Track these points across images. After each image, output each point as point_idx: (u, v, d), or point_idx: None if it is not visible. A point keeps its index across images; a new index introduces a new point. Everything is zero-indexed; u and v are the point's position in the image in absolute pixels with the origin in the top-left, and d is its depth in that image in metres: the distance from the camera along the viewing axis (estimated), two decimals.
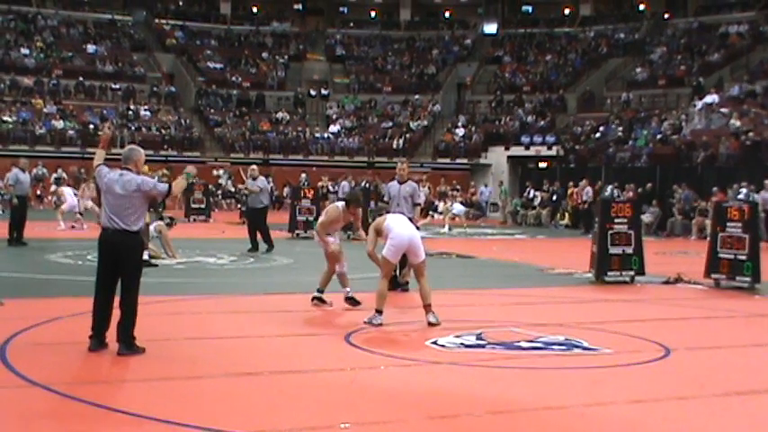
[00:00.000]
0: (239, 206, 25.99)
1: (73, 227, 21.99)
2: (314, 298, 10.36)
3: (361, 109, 46.45)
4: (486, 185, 35.22)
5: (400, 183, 12.24)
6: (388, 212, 10.69)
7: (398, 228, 9.37)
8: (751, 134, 28.05)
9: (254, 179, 18.00)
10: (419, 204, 12.34)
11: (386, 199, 12.66)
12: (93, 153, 8.16)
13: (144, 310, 9.73)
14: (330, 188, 32.39)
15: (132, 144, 8.71)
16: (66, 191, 23.24)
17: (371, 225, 9.88)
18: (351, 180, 31.14)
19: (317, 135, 43.71)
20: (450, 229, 25.99)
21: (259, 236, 17.42)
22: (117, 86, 43.46)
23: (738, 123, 28.89)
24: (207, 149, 41.61)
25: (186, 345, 8.06)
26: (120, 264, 7.39)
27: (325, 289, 10.38)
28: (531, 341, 8.28)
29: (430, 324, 8.98)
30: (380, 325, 8.98)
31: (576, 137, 38.08)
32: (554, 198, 30.01)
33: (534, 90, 44.80)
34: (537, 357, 7.69)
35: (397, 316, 9.72)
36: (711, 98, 32.83)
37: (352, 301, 10.20)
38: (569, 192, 29.10)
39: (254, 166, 18.86)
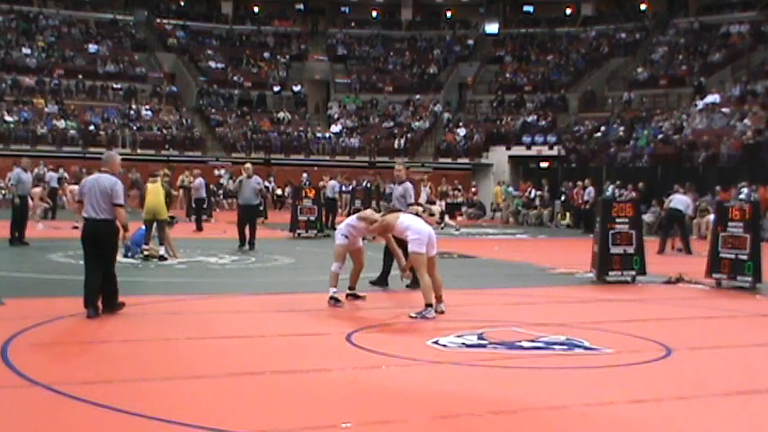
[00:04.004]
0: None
1: (75, 227, 21.92)
2: (347, 295, 10.63)
3: (362, 109, 46.47)
4: (505, 184, 35.10)
5: (397, 184, 12.56)
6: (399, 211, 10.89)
7: (417, 224, 9.95)
8: (749, 134, 28.06)
9: (249, 177, 17.96)
10: (412, 204, 12.49)
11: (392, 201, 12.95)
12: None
13: (145, 310, 9.80)
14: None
15: (111, 150, 10.65)
16: (76, 188, 23.37)
17: (381, 219, 10.25)
18: (339, 179, 31.02)
19: (319, 135, 43.71)
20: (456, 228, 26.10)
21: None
22: (118, 86, 43.50)
23: (749, 123, 28.85)
24: (208, 149, 41.65)
25: (187, 344, 8.06)
26: (101, 244, 9.21)
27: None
28: (533, 341, 8.27)
29: (441, 312, 9.69)
30: (434, 318, 9.44)
31: (577, 137, 38.09)
32: (563, 198, 29.97)
33: (535, 90, 44.81)
34: (538, 357, 7.68)
35: (399, 315, 9.73)
36: (713, 98, 32.86)
37: (334, 301, 10.32)
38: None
39: (249, 165, 18.77)
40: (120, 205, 9.26)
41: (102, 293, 9.18)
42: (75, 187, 23.45)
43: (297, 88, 47.04)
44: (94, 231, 9.21)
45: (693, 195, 20.65)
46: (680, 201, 19.08)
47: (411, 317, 9.51)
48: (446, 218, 26.89)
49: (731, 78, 36.33)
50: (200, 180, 23.63)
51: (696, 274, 13.36)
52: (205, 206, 25.34)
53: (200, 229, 22.66)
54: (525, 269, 15.58)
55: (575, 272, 14.56)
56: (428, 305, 9.53)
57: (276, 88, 46.64)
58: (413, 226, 9.84)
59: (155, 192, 15.47)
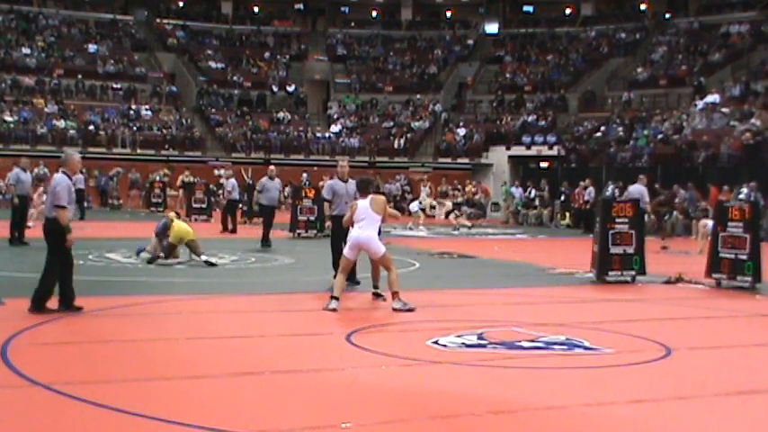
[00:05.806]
0: (241, 206, 26.05)
1: None
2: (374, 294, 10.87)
3: (362, 109, 46.46)
4: (516, 186, 35.09)
5: (344, 181, 12.26)
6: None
7: (354, 228, 10.14)
8: (748, 134, 28.06)
9: (272, 179, 19.57)
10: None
11: (327, 197, 12.44)
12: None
13: (145, 310, 9.80)
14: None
15: (71, 149, 10.83)
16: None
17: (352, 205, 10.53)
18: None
19: (319, 135, 43.71)
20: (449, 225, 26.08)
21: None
22: (118, 86, 43.48)
23: (757, 122, 28.83)
24: (208, 149, 41.62)
25: (187, 344, 8.06)
26: (48, 243, 9.31)
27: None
28: (533, 341, 8.27)
29: (394, 309, 9.82)
30: (334, 310, 9.72)
31: (577, 137, 38.08)
32: (562, 198, 29.95)
33: (535, 90, 44.78)
34: (538, 357, 7.68)
35: (398, 316, 9.73)
36: (712, 98, 32.85)
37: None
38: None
39: (272, 167, 20.83)
40: (59, 207, 9.14)
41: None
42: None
43: (291, 88, 46.98)
44: (43, 230, 9.44)
45: (647, 181, 20.69)
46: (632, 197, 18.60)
47: (324, 308, 9.80)
48: (452, 217, 26.88)
49: (731, 78, 36.30)
50: (232, 181, 23.46)
51: (696, 274, 13.37)
52: (243, 208, 26.75)
53: (234, 230, 22.53)
54: (525, 269, 15.57)
55: (575, 272, 14.56)
56: (333, 297, 9.89)
57: (274, 88, 46.62)
58: (351, 231, 10.17)
59: (181, 225, 15.17)
